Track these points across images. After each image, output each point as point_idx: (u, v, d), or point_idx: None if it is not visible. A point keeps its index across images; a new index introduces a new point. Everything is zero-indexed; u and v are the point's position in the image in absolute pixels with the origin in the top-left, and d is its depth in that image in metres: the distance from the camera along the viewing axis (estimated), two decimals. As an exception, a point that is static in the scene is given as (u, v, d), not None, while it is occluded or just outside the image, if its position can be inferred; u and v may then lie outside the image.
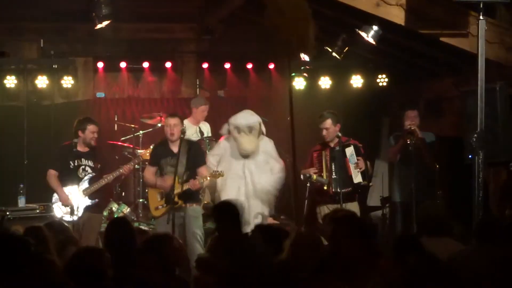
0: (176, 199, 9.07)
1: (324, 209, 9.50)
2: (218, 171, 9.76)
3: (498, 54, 9.26)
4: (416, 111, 10.50)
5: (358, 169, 9.67)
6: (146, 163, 10.08)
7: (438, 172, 10.16)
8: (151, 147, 11.31)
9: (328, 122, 9.73)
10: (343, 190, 9.54)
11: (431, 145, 10.34)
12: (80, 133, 9.71)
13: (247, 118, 10.44)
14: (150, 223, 11.17)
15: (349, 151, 9.71)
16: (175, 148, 9.34)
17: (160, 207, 9.43)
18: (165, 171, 9.39)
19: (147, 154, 10.13)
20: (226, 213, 6.85)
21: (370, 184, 9.92)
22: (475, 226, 6.55)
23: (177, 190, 9.07)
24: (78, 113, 10.98)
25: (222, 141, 10.66)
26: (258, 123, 10.44)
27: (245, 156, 10.37)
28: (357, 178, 9.68)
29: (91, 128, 9.71)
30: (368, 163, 9.92)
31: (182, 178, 9.23)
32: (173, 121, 9.40)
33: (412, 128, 10.09)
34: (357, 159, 9.68)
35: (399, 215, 10.42)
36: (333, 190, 9.61)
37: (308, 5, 7.59)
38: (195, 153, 9.48)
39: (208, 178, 9.44)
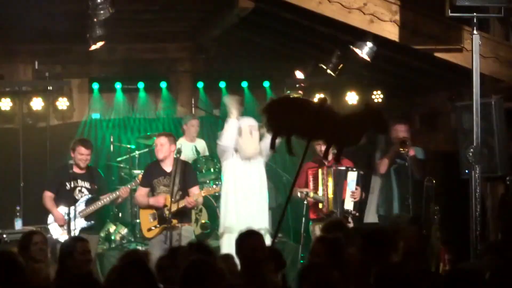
0: (170, 217, 9.07)
1: (319, 228, 9.21)
2: (213, 187, 9.69)
3: (493, 69, 9.25)
4: (405, 126, 10.43)
5: (353, 198, 9.66)
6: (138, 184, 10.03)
7: (434, 187, 10.14)
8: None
9: None
10: (338, 209, 9.52)
11: (421, 161, 10.32)
12: (72, 153, 9.71)
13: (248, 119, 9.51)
14: (147, 243, 11.13)
15: (352, 176, 9.68)
16: (167, 168, 9.34)
17: (153, 228, 9.40)
18: (158, 191, 9.37)
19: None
20: None
21: (357, 214, 9.88)
22: None
23: (172, 209, 9.05)
24: (74, 135, 10.96)
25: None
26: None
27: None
28: (348, 205, 9.66)
29: (79, 149, 9.69)
30: (363, 194, 9.90)
31: (175, 197, 9.19)
32: (159, 140, 9.42)
33: (405, 138, 10.08)
34: (355, 188, 9.66)
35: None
36: (329, 208, 9.56)
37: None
38: (188, 174, 9.45)
39: (203, 194, 9.44)
